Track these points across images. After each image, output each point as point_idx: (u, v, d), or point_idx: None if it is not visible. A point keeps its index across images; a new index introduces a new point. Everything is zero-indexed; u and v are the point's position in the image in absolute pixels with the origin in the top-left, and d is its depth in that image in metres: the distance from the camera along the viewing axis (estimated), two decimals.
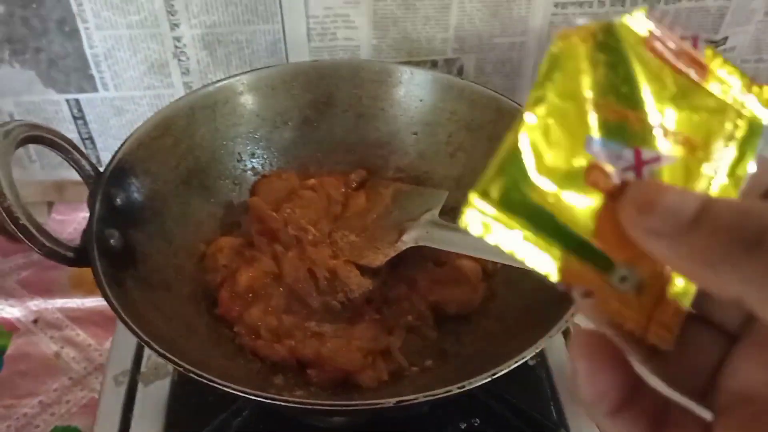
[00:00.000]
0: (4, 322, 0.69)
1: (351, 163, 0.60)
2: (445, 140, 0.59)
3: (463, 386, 0.36)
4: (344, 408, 0.37)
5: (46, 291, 0.72)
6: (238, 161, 0.58)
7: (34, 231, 0.40)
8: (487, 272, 0.53)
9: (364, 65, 0.60)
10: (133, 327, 0.39)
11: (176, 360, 0.37)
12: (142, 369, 0.52)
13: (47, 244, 0.40)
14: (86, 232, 0.42)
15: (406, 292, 0.52)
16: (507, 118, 0.55)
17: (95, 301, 0.71)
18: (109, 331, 0.68)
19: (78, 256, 0.42)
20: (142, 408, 0.50)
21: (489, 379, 0.36)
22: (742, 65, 0.75)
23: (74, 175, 0.48)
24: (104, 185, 0.45)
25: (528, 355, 0.38)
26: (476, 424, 0.48)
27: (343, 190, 0.58)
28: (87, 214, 0.78)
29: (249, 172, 0.58)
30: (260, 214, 0.54)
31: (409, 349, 0.49)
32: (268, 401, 0.36)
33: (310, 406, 0.37)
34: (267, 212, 0.53)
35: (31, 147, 0.72)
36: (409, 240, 0.51)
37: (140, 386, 0.51)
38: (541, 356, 0.55)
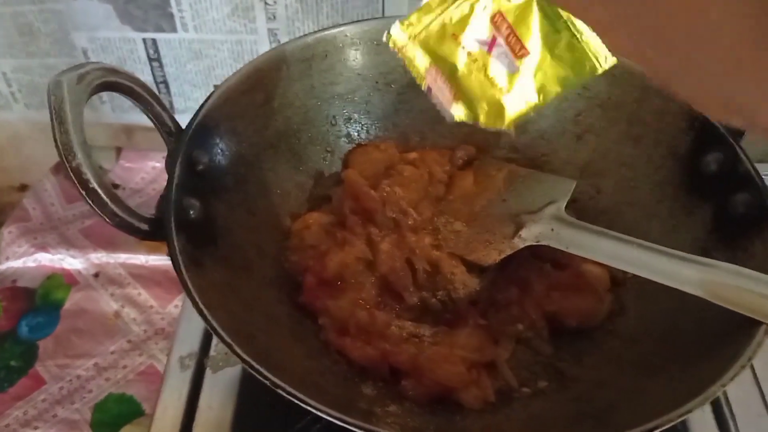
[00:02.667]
0: (64, 274, 0.65)
1: (457, 137, 0.52)
2: (572, 118, 0.50)
3: None
4: None
5: (110, 243, 0.67)
6: (332, 125, 0.50)
7: (104, 197, 0.34)
8: (616, 281, 0.45)
9: None
10: (211, 321, 0.33)
11: (259, 368, 0.31)
12: (211, 353, 0.46)
13: (119, 213, 0.34)
14: (163, 201, 0.36)
15: (517, 296, 0.44)
16: (654, 98, 0.46)
17: (160, 259, 0.66)
18: (172, 293, 0.63)
19: (152, 228, 0.36)
20: (209, 397, 0.44)
21: None
22: None
23: (146, 120, 0.41)
24: (186, 145, 0.39)
25: (690, 410, 0.31)
26: None
27: (448, 168, 0.51)
28: (156, 163, 0.74)
29: (343, 139, 0.51)
30: (355, 191, 0.46)
31: (518, 364, 0.42)
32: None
33: None
34: (364, 189, 0.46)
35: None
36: (529, 237, 0.43)
37: (208, 372, 0.46)
38: None
